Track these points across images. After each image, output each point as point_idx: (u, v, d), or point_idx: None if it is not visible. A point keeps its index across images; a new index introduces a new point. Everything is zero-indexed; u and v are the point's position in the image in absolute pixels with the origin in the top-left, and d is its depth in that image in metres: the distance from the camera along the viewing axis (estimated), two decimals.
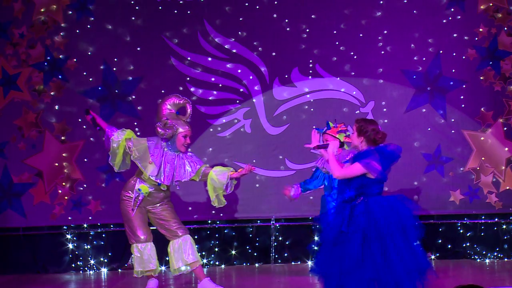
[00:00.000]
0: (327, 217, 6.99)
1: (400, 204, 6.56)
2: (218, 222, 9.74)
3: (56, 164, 9.52)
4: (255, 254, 9.80)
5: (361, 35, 9.74)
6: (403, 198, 6.67)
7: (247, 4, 9.76)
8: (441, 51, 9.68)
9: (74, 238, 9.60)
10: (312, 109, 9.73)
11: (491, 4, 9.62)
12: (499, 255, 9.60)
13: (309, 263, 9.69)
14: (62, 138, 9.56)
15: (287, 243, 9.81)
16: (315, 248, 7.44)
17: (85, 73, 9.60)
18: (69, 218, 9.53)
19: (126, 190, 7.80)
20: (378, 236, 6.40)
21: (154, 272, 7.79)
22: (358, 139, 6.61)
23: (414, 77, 9.67)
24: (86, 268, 9.55)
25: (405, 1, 9.72)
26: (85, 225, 9.60)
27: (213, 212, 9.65)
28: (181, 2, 9.71)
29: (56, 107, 9.57)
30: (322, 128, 8.26)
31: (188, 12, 9.72)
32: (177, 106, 7.71)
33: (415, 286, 6.35)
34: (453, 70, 9.67)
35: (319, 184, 8.30)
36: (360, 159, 6.50)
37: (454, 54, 9.67)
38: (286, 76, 9.76)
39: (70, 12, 9.61)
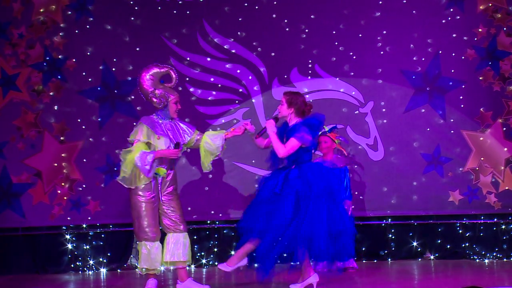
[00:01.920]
0: (264, 180, 7.58)
1: (329, 169, 7.45)
2: (217, 222, 9.73)
3: (55, 164, 9.51)
4: (254, 254, 9.76)
5: (360, 35, 9.75)
6: (330, 164, 7.78)
7: (246, 4, 9.77)
8: (440, 51, 9.67)
9: (73, 239, 9.60)
10: (311, 110, 9.70)
11: (490, 5, 9.61)
12: (498, 255, 9.59)
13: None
14: (61, 138, 9.56)
15: None
16: None
17: (84, 73, 9.61)
18: (68, 218, 9.52)
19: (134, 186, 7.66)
20: (310, 197, 7.17)
21: (158, 272, 7.75)
22: (288, 110, 7.44)
23: (413, 77, 9.67)
24: (85, 269, 9.56)
25: (404, 1, 9.73)
26: (84, 226, 9.59)
27: (212, 212, 9.66)
28: (180, 2, 9.72)
29: (55, 107, 9.57)
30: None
31: (187, 12, 9.73)
32: (159, 75, 7.61)
33: (338, 247, 7.19)
34: (452, 70, 9.66)
35: None
36: (293, 133, 7.28)
37: (453, 54, 9.67)
38: (285, 76, 9.76)
39: (69, 12, 9.62)
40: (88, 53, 9.63)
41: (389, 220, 9.74)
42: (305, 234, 7.16)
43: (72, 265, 9.57)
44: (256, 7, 9.77)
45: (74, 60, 9.59)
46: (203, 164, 7.79)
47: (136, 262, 7.50)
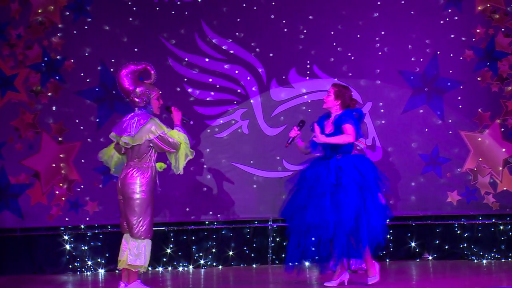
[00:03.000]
0: (302, 173, 7.59)
1: (371, 161, 7.58)
2: (215, 223, 9.73)
3: (53, 165, 9.51)
4: (253, 255, 9.80)
5: (358, 35, 9.75)
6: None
7: (244, 4, 9.77)
8: (438, 52, 9.68)
9: (71, 239, 9.60)
10: (309, 110, 9.72)
11: (488, 5, 9.61)
12: (497, 256, 9.60)
13: (306, 263, 9.68)
14: (59, 139, 9.55)
15: (284, 244, 9.76)
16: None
17: (82, 74, 9.60)
18: (66, 219, 9.52)
19: (145, 182, 7.20)
20: (368, 187, 7.29)
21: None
22: (335, 102, 7.54)
23: (412, 77, 9.68)
24: (83, 269, 9.56)
25: (403, 1, 9.73)
26: (82, 226, 9.59)
27: (211, 213, 9.67)
28: (178, 3, 9.72)
29: (54, 108, 9.57)
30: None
31: (186, 13, 9.73)
32: (137, 73, 7.42)
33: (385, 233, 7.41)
34: (451, 71, 9.67)
35: None
36: (347, 120, 7.38)
37: (452, 55, 9.67)
38: (284, 77, 9.77)
39: (67, 13, 9.61)
40: (86, 54, 9.62)
41: (387, 220, 9.72)
42: (372, 226, 7.30)
43: (70, 266, 9.56)
44: (255, 8, 9.77)
45: (72, 60, 9.59)
46: (182, 165, 7.42)
47: (137, 261, 7.19)
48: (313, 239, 7.33)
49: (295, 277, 7.70)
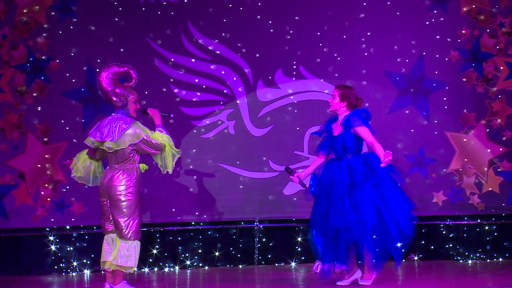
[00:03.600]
0: (317, 179, 7.56)
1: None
2: (201, 224, 9.73)
3: (39, 166, 9.49)
4: (239, 255, 9.80)
5: (344, 36, 9.77)
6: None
7: (230, 5, 9.77)
8: (424, 53, 9.71)
9: (57, 240, 9.58)
10: (296, 111, 9.74)
11: (473, 6, 9.65)
12: (482, 256, 9.64)
13: (293, 264, 9.70)
14: (45, 139, 9.53)
15: (270, 244, 9.82)
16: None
17: (68, 74, 9.58)
18: (52, 219, 9.50)
19: (132, 184, 7.20)
20: (382, 182, 7.30)
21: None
22: (341, 103, 7.50)
23: (397, 78, 9.70)
24: (69, 270, 9.53)
25: (388, 2, 9.75)
26: (67, 227, 9.56)
27: (197, 213, 9.67)
28: (164, 3, 9.71)
29: (39, 108, 9.54)
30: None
31: (172, 13, 9.72)
32: (119, 74, 7.38)
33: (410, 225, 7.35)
34: (436, 72, 9.70)
35: None
36: (358, 123, 7.37)
37: (437, 55, 9.70)
38: (270, 77, 9.78)
39: (53, 13, 9.58)
40: (72, 54, 9.60)
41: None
42: (398, 220, 7.34)
43: (56, 267, 9.54)
44: (241, 8, 9.77)
45: (57, 61, 9.56)
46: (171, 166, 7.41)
47: (128, 262, 7.15)
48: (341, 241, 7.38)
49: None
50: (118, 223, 7.17)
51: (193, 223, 9.72)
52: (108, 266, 7.25)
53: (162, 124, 7.39)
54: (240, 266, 9.75)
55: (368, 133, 7.41)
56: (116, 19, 9.68)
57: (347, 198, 7.30)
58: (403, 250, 7.53)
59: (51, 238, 9.56)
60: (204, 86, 9.75)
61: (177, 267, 9.67)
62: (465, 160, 9.64)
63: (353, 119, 7.42)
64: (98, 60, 9.60)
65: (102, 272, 9.24)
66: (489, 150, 9.63)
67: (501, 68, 9.61)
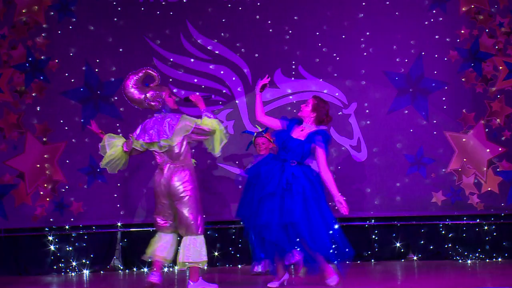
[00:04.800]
0: (256, 168, 7.64)
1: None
2: None
3: (38, 166, 9.48)
4: (238, 255, 9.80)
5: (343, 36, 9.78)
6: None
7: (229, 5, 9.77)
8: (423, 53, 9.72)
9: (56, 240, 9.58)
10: (295, 111, 9.68)
11: (472, 6, 9.66)
12: (481, 256, 9.65)
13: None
14: (44, 139, 9.52)
15: None
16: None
17: (67, 74, 9.59)
18: (51, 219, 9.49)
19: (193, 179, 7.40)
20: (317, 197, 7.40)
21: None
22: (311, 113, 7.59)
23: (397, 78, 9.70)
24: (68, 270, 9.52)
25: (388, 2, 9.76)
26: (67, 227, 9.56)
27: None
28: (163, 3, 9.72)
29: (38, 108, 9.54)
30: (252, 131, 8.97)
31: (171, 13, 9.72)
32: (141, 80, 7.48)
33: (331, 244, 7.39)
34: (435, 72, 9.70)
35: None
36: (321, 144, 7.45)
37: (436, 55, 9.70)
38: (269, 77, 9.74)
39: (52, 13, 9.59)
40: (71, 54, 9.60)
41: (373, 221, 9.76)
42: (317, 235, 7.38)
43: (55, 267, 9.54)
44: (240, 8, 9.78)
45: (56, 61, 9.56)
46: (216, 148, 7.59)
47: (201, 257, 7.37)
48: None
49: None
50: (186, 219, 7.31)
51: None
52: (181, 266, 7.40)
53: (206, 109, 7.52)
54: (239, 266, 9.74)
55: (323, 158, 7.50)
56: (115, 19, 9.68)
57: (279, 199, 7.38)
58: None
59: (50, 238, 9.55)
60: (203, 86, 9.75)
61: (176, 267, 9.64)
62: (464, 160, 9.65)
63: (317, 138, 7.50)
64: (97, 60, 9.61)
65: (101, 272, 9.30)
66: (488, 150, 9.63)
67: (500, 68, 9.62)
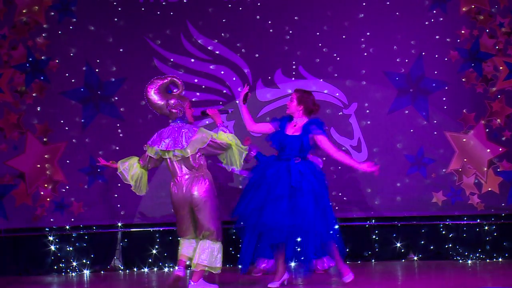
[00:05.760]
0: (261, 171, 7.63)
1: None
2: None
3: (38, 166, 9.49)
4: (238, 255, 9.75)
5: (344, 36, 9.78)
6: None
7: (230, 5, 9.77)
8: (423, 53, 9.72)
9: (56, 240, 9.58)
10: (318, 110, 9.72)
11: (473, 6, 9.66)
12: (481, 256, 9.66)
13: (292, 264, 9.68)
14: (44, 139, 9.53)
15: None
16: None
17: (67, 74, 9.58)
18: (51, 219, 9.50)
19: (212, 187, 7.51)
20: (322, 195, 7.44)
21: None
22: (298, 107, 7.63)
23: (397, 78, 9.70)
24: (68, 270, 9.53)
25: (388, 3, 9.76)
26: (67, 227, 9.57)
27: None
28: (163, 3, 9.71)
29: (38, 108, 9.54)
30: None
31: (171, 13, 9.72)
32: (164, 86, 7.57)
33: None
34: (436, 72, 9.71)
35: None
36: (318, 131, 7.51)
37: (437, 56, 9.71)
38: (270, 77, 9.79)
39: (52, 13, 9.59)
40: (71, 54, 9.60)
41: (373, 221, 9.77)
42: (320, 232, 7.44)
43: (55, 267, 9.54)
44: (240, 8, 9.78)
45: (57, 61, 9.56)
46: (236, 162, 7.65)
47: (216, 263, 7.51)
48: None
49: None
50: (207, 227, 7.40)
51: None
52: (195, 267, 7.48)
53: (223, 124, 7.65)
54: (240, 266, 9.73)
55: (327, 142, 7.58)
56: (116, 19, 9.68)
57: (287, 200, 7.40)
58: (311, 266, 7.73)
59: (51, 238, 9.56)
60: (203, 86, 9.76)
61: (176, 267, 9.64)
62: (465, 160, 9.65)
63: (312, 128, 7.55)
64: (98, 61, 9.61)
65: (102, 272, 9.31)
66: (488, 150, 9.64)
67: (501, 68, 9.62)
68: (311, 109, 7.67)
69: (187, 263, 7.70)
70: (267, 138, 7.91)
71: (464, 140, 9.67)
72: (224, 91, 9.79)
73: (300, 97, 7.65)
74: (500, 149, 9.63)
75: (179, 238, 7.71)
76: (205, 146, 7.43)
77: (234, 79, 9.78)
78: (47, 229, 9.54)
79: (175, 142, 7.41)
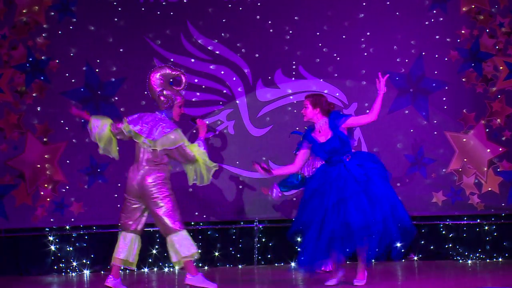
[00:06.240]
0: (319, 178, 7.56)
1: None
2: (201, 224, 9.76)
3: (38, 166, 9.51)
4: (238, 255, 9.84)
5: (344, 36, 9.80)
6: None
7: (230, 5, 9.79)
8: (423, 53, 9.74)
9: (57, 240, 9.61)
10: (295, 111, 9.74)
11: (473, 6, 9.68)
12: (481, 256, 9.68)
13: (292, 264, 9.72)
14: (44, 139, 9.55)
15: (270, 244, 9.86)
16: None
17: (67, 74, 9.60)
18: (51, 220, 9.52)
19: (165, 180, 7.52)
20: (386, 176, 7.53)
21: None
22: (314, 111, 7.56)
23: (397, 78, 9.70)
24: (68, 270, 9.56)
25: (388, 2, 9.78)
26: (67, 227, 9.59)
27: (196, 213, 9.69)
28: (163, 3, 9.73)
29: (38, 108, 9.56)
30: (300, 132, 8.81)
31: (171, 13, 9.74)
32: (170, 77, 7.63)
33: None
34: (436, 72, 9.73)
35: (294, 180, 8.71)
36: (345, 117, 7.54)
37: (437, 55, 9.73)
38: (269, 77, 9.80)
39: (52, 13, 9.61)
40: (72, 54, 9.62)
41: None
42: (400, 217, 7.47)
43: (55, 267, 9.57)
44: (240, 8, 9.80)
45: (57, 61, 9.58)
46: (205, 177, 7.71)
47: (190, 250, 7.48)
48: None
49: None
50: (162, 219, 7.43)
51: (192, 223, 9.74)
52: (178, 265, 7.55)
53: (204, 139, 7.63)
54: (240, 266, 9.78)
55: (357, 118, 7.67)
56: (116, 19, 9.70)
57: (364, 195, 7.36)
58: (402, 250, 7.70)
59: (51, 238, 9.59)
60: (203, 86, 9.77)
61: (176, 267, 9.66)
62: (465, 160, 9.67)
63: (337, 122, 7.52)
64: (98, 61, 9.63)
65: (102, 272, 9.32)
66: (488, 150, 9.65)
67: (501, 68, 9.64)
68: (327, 109, 7.59)
69: (121, 267, 7.68)
70: (315, 159, 7.91)
71: (464, 140, 9.69)
72: (224, 91, 9.80)
73: (313, 101, 7.57)
74: (500, 149, 9.64)
75: (119, 233, 7.64)
76: (173, 148, 7.44)
77: (234, 79, 9.80)
78: (47, 229, 9.57)
79: (149, 131, 7.44)
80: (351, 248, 7.43)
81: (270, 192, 8.78)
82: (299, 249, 7.72)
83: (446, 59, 9.70)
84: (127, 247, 7.59)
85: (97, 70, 9.64)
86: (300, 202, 7.72)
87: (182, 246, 7.45)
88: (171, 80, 7.66)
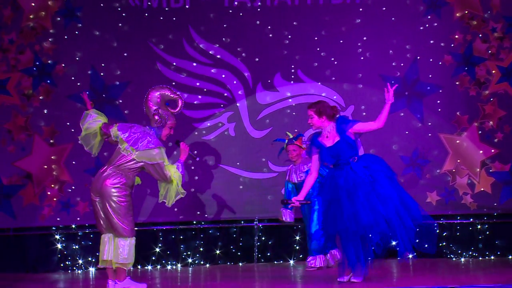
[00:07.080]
0: (331, 181, 7.58)
1: None
2: (203, 223, 9.82)
3: (45, 167, 9.59)
4: (239, 253, 9.91)
5: (341, 41, 9.84)
6: None
7: (231, 11, 9.83)
8: (418, 57, 9.79)
9: (63, 239, 9.68)
10: (294, 113, 9.84)
11: (466, 12, 9.74)
12: (474, 254, 9.74)
13: (291, 262, 9.84)
14: (51, 141, 9.63)
15: (269, 243, 9.92)
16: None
17: (73, 78, 9.66)
18: (58, 219, 9.60)
19: (126, 188, 7.46)
20: (392, 176, 7.62)
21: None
22: (320, 119, 7.54)
23: (393, 82, 9.63)
24: (74, 268, 9.62)
25: (384, 8, 9.82)
26: (73, 226, 9.67)
27: (198, 213, 9.77)
28: (166, 9, 9.79)
29: (45, 111, 9.64)
30: (283, 139, 9.00)
31: (174, 19, 9.80)
32: (168, 98, 7.63)
33: None
34: (430, 76, 9.77)
35: (287, 192, 9.09)
36: (352, 122, 7.54)
37: (431, 60, 9.78)
38: (269, 81, 9.85)
39: (59, 19, 9.68)
40: (77, 58, 9.68)
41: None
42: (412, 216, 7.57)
43: (62, 265, 9.64)
44: (241, 14, 9.84)
45: (63, 65, 9.64)
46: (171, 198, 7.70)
47: (127, 260, 7.47)
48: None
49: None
50: (115, 222, 7.37)
51: (194, 222, 9.82)
52: (110, 264, 7.46)
53: (184, 162, 7.61)
54: (240, 264, 9.84)
55: (364, 124, 7.62)
56: (120, 25, 9.76)
57: (374, 194, 7.41)
58: (425, 245, 7.77)
59: (57, 236, 9.66)
60: (205, 90, 9.84)
61: (179, 265, 9.76)
62: (458, 161, 9.74)
63: (344, 126, 7.53)
64: (102, 65, 9.69)
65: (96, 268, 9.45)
66: (481, 152, 9.72)
67: (493, 72, 9.71)
68: (332, 114, 7.57)
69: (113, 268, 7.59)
70: (323, 165, 7.92)
71: (457, 141, 9.77)
72: (225, 94, 9.88)
73: (317, 110, 7.55)
74: (493, 151, 9.72)
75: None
76: (151, 164, 7.43)
77: (234, 82, 9.88)
78: (53, 228, 9.64)
79: (135, 140, 7.43)
80: (368, 246, 7.54)
81: (285, 219, 8.91)
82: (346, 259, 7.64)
83: (440, 63, 9.75)
84: (105, 247, 7.54)
85: (102, 73, 9.69)
86: (318, 212, 7.87)
87: (124, 252, 7.41)
88: (167, 101, 7.66)
